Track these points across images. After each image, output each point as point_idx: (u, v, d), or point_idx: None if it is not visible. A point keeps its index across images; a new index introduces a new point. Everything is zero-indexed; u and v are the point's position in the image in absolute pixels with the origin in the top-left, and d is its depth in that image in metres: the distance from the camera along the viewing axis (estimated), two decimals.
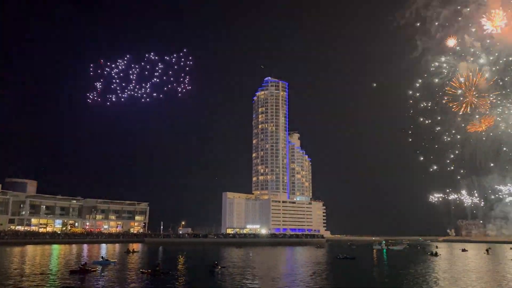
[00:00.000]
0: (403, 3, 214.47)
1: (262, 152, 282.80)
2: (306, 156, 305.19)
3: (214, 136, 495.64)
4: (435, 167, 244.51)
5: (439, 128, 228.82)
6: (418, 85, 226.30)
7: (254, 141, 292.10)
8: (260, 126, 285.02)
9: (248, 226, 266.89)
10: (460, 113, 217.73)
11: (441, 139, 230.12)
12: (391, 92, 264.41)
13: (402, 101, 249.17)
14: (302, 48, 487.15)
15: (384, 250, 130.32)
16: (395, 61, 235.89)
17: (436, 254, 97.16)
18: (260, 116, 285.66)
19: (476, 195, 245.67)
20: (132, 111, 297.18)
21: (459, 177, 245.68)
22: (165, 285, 44.66)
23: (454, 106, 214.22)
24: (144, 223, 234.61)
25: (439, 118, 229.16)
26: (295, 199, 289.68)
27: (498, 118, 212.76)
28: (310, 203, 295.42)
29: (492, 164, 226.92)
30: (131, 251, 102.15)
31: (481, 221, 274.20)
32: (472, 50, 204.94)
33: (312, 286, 44.46)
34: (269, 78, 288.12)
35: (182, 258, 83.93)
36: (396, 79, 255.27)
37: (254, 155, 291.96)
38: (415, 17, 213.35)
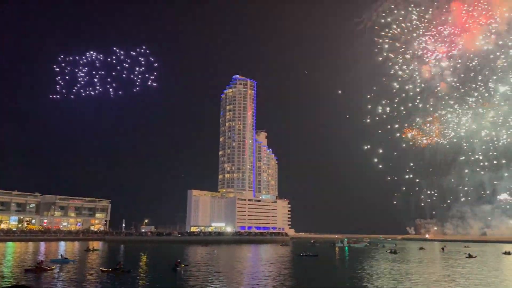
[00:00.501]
0: (370, 6, 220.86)
1: (229, 150, 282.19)
2: (273, 155, 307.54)
3: (180, 133, 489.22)
4: (394, 178, 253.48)
5: (398, 134, 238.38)
6: (374, 88, 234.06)
7: (221, 139, 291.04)
8: (227, 124, 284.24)
9: (213, 224, 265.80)
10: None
11: (399, 146, 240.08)
12: (353, 94, 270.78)
13: (364, 104, 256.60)
14: (271, 47, 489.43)
15: (346, 248, 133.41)
16: (361, 62, 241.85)
17: (395, 252, 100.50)
18: (227, 114, 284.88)
19: (435, 195, 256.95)
20: (95, 106, 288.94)
21: (417, 180, 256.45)
22: (126, 284, 43.74)
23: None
24: (106, 220, 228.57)
25: (396, 125, 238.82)
26: (261, 197, 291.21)
27: (456, 124, 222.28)
28: (275, 202, 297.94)
29: (450, 167, 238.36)
30: (91, 249, 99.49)
31: (436, 220, 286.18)
32: (436, 54, 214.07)
33: (274, 283, 44.85)
34: (237, 76, 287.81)
35: (144, 257, 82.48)
36: (360, 81, 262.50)
37: (221, 153, 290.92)
38: (381, 20, 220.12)
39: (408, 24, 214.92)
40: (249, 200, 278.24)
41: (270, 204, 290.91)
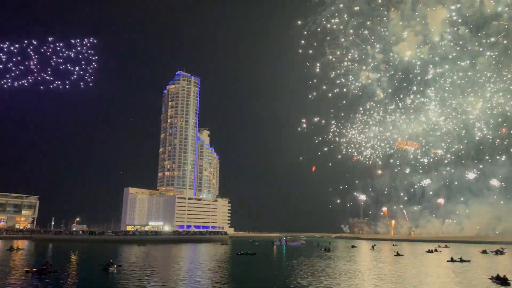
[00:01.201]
0: (315, 10, 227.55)
1: (170, 147, 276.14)
2: (215, 154, 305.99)
3: (120, 129, 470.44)
4: (331, 179, 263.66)
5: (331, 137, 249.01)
6: (315, 93, 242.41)
7: (162, 136, 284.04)
8: (169, 121, 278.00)
9: (151, 223, 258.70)
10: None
11: (336, 158, 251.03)
12: (295, 97, 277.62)
13: (302, 107, 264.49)
14: (217, 46, 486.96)
15: (284, 246, 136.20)
16: (303, 65, 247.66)
17: (328, 250, 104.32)
18: (169, 110, 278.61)
19: (370, 195, 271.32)
20: (28, 98, 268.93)
21: (357, 181, 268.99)
22: (53, 285, 40.98)
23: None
24: (33, 218, 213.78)
25: (332, 132, 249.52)
26: (201, 196, 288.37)
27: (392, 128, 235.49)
28: (216, 200, 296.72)
29: (383, 170, 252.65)
30: (15, 248, 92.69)
31: (369, 220, 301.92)
32: (375, 61, 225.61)
33: (210, 282, 44.47)
34: (181, 72, 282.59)
35: (74, 257, 78.09)
36: (301, 84, 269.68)
37: (161, 150, 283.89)
38: (324, 24, 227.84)
39: (351, 31, 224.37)
40: (189, 198, 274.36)
41: (210, 203, 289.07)
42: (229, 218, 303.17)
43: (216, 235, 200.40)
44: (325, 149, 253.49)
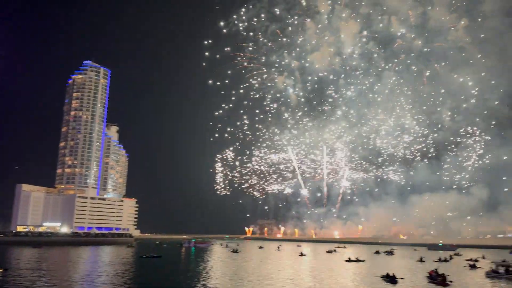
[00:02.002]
0: (236, 11, 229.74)
1: (72, 142, 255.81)
2: (124, 151, 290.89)
3: (15, 120, 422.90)
4: (242, 179, 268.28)
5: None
6: (233, 98, 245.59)
7: (63, 129, 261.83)
8: (73, 113, 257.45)
9: (46, 224, 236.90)
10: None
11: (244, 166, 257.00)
12: (212, 98, 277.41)
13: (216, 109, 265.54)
14: (129, 39, 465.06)
15: (193, 248, 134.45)
16: (222, 65, 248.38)
17: (236, 251, 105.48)
18: (74, 102, 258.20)
19: (280, 197, 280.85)
20: None
21: (265, 185, 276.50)
22: None
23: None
24: None
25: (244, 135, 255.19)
26: (106, 195, 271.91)
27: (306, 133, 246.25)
28: (122, 201, 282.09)
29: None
30: None
31: (278, 221, 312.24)
32: (292, 67, 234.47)
33: (109, 287, 41.81)
34: (90, 62, 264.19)
35: None
36: (221, 85, 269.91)
37: (62, 144, 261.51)
38: (245, 27, 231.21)
39: (271, 36, 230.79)
40: (92, 198, 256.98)
41: (115, 203, 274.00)
42: (136, 220, 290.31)
43: (120, 237, 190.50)
44: (238, 158, 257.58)
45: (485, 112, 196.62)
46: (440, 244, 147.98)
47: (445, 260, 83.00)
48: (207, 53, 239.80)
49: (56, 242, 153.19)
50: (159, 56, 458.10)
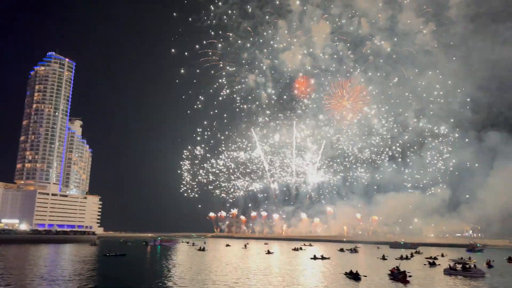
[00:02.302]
0: (206, 7, 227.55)
1: (33, 136, 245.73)
2: (87, 146, 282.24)
3: None
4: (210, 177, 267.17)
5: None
6: (202, 97, 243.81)
7: (24, 122, 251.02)
8: (34, 106, 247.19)
9: (4, 221, 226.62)
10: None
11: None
12: (182, 94, 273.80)
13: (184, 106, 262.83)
14: (96, 32, 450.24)
15: (159, 246, 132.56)
16: (190, 62, 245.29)
17: (203, 249, 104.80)
18: (36, 94, 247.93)
19: (248, 194, 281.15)
20: None
21: (234, 183, 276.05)
22: None
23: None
24: None
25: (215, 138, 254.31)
26: (68, 192, 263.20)
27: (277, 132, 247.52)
28: (85, 198, 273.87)
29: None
30: None
31: (246, 219, 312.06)
32: (262, 65, 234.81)
33: (69, 286, 40.43)
34: (53, 53, 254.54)
35: None
36: (190, 82, 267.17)
37: (22, 138, 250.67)
38: (217, 22, 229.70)
39: (243, 33, 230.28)
40: (53, 194, 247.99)
41: (78, 200, 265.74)
42: (99, 217, 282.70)
43: (83, 235, 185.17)
44: (208, 156, 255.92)
45: (449, 115, 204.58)
46: (402, 243, 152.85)
47: (406, 258, 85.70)
48: (173, 50, 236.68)
49: (14, 239, 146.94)
50: (126, 51, 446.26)
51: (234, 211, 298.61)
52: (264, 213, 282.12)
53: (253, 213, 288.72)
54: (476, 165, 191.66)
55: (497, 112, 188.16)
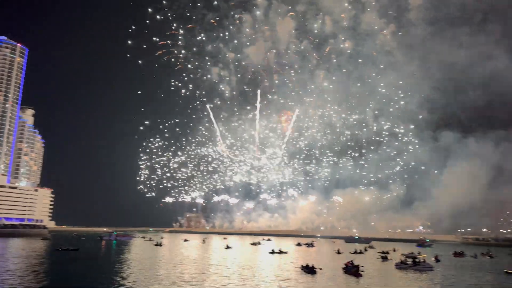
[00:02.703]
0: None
1: None
2: (40, 137, 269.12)
3: None
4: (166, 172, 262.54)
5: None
6: (160, 91, 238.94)
7: None
8: None
9: None
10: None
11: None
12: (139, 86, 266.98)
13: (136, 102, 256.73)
14: (51, 19, 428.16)
15: (114, 241, 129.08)
16: (150, 53, 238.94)
17: (160, 244, 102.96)
18: None
19: (208, 189, 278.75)
20: None
21: (196, 181, 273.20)
22: None
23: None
24: None
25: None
26: (18, 184, 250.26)
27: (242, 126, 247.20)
28: (36, 190, 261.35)
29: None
30: None
31: (206, 214, 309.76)
32: (227, 59, 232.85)
33: (16, 281, 38.34)
34: (5, 38, 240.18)
35: None
36: (151, 76, 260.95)
37: None
38: (177, 14, 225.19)
39: (208, 26, 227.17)
40: (1, 186, 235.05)
41: (28, 192, 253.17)
42: (51, 211, 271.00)
43: (33, 229, 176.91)
44: (170, 149, 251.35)
45: (406, 115, 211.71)
46: (356, 237, 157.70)
47: (360, 252, 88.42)
48: (129, 41, 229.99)
49: None
50: (82, 40, 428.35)
51: (196, 205, 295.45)
52: (224, 208, 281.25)
53: (214, 208, 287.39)
54: (431, 163, 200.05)
55: (451, 113, 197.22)
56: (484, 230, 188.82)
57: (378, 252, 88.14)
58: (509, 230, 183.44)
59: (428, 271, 55.94)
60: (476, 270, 59.04)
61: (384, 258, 74.00)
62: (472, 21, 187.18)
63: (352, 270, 50.47)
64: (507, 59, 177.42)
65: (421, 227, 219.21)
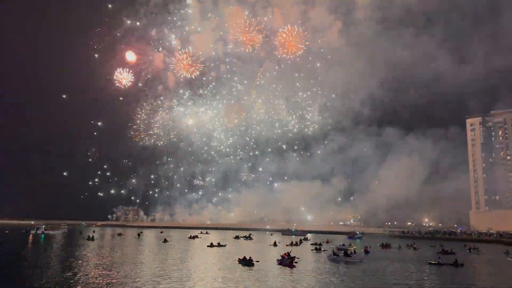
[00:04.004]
0: None
1: None
2: None
3: None
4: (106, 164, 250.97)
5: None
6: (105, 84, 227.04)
7: None
8: None
9: None
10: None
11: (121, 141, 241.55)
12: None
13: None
14: None
15: (43, 236, 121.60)
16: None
17: (92, 238, 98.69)
18: None
19: (148, 182, 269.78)
20: None
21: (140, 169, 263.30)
22: None
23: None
24: None
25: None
26: None
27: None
28: None
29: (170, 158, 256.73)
30: None
31: (144, 207, 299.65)
32: (174, 44, 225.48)
33: None
34: None
35: None
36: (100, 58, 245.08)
37: None
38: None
39: (154, 8, 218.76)
40: None
41: None
42: None
43: None
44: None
45: (351, 110, 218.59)
46: (293, 230, 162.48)
47: (296, 244, 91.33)
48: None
49: None
50: (15, 20, 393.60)
51: (134, 197, 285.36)
52: (165, 200, 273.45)
53: (154, 201, 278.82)
54: (372, 158, 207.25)
55: (394, 111, 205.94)
56: (409, 223, 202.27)
57: (311, 244, 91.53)
58: (431, 224, 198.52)
59: (358, 262, 59.32)
60: (402, 261, 63.53)
61: (318, 250, 77.19)
62: (416, 22, 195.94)
63: (287, 261, 52.20)
64: (448, 60, 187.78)
65: (351, 220, 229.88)
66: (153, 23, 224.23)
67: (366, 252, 75.53)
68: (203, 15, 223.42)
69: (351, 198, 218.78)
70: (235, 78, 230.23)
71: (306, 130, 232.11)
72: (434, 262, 59.35)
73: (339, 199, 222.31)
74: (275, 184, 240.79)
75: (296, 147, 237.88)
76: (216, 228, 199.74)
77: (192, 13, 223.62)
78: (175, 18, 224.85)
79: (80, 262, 52.00)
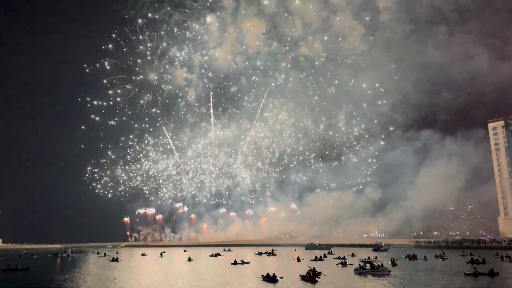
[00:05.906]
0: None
1: None
2: None
3: None
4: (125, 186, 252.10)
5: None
6: (117, 94, 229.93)
7: None
8: None
9: None
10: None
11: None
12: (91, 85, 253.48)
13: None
14: None
15: (70, 259, 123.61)
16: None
17: (116, 260, 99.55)
18: None
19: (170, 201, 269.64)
20: None
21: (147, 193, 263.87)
22: None
23: None
24: None
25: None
26: None
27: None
28: None
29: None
30: None
31: (164, 228, 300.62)
32: (193, 62, 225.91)
33: None
34: None
35: None
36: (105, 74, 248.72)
37: None
38: (146, 14, 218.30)
39: (175, 26, 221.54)
40: None
41: None
42: None
43: None
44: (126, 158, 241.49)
45: (379, 117, 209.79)
46: (317, 244, 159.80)
47: (320, 259, 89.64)
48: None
49: None
50: (25, 34, 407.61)
51: (159, 217, 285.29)
52: (190, 218, 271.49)
53: (179, 219, 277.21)
54: (406, 165, 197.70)
55: (428, 113, 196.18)
56: (435, 233, 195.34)
57: (334, 258, 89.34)
58: (457, 232, 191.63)
59: (386, 275, 57.79)
60: (431, 271, 61.55)
61: (344, 264, 75.11)
62: (448, 21, 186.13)
63: (309, 277, 51.44)
64: (486, 58, 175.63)
65: (376, 232, 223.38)
66: (175, 39, 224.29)
67: (393, 264, 73.58)
68: (222, 30, 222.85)
69: (384, 207, 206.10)
70: (256, 91, 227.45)
71: (334, 139, 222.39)
72: (469, 273, 57.18)
73: (373, 209, 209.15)
74: (304, 196, 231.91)
75: (324, 158, 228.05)
76: (241, 245, 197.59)
77: (211, 28, 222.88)
78: (193, 33, 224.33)
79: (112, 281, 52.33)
